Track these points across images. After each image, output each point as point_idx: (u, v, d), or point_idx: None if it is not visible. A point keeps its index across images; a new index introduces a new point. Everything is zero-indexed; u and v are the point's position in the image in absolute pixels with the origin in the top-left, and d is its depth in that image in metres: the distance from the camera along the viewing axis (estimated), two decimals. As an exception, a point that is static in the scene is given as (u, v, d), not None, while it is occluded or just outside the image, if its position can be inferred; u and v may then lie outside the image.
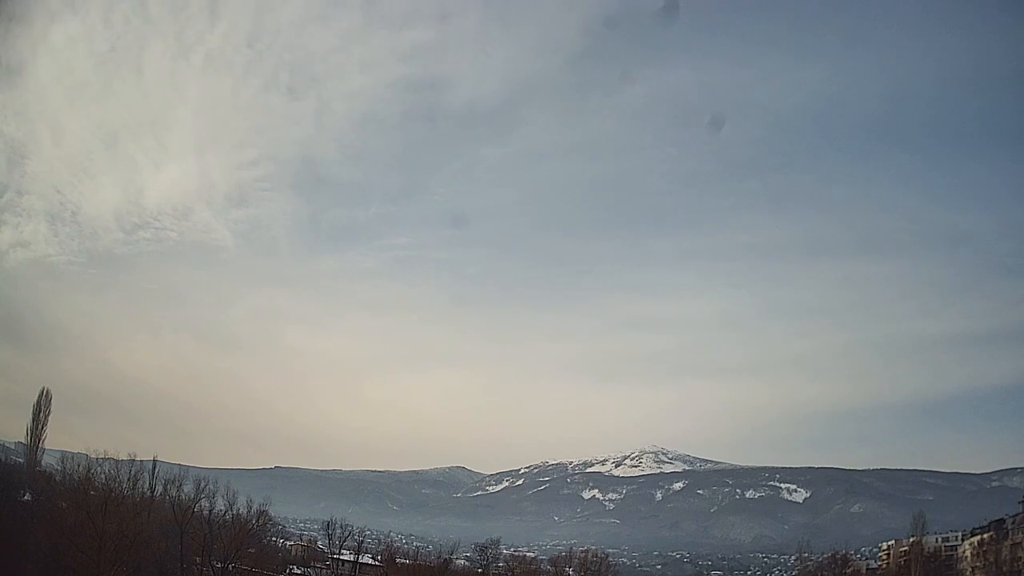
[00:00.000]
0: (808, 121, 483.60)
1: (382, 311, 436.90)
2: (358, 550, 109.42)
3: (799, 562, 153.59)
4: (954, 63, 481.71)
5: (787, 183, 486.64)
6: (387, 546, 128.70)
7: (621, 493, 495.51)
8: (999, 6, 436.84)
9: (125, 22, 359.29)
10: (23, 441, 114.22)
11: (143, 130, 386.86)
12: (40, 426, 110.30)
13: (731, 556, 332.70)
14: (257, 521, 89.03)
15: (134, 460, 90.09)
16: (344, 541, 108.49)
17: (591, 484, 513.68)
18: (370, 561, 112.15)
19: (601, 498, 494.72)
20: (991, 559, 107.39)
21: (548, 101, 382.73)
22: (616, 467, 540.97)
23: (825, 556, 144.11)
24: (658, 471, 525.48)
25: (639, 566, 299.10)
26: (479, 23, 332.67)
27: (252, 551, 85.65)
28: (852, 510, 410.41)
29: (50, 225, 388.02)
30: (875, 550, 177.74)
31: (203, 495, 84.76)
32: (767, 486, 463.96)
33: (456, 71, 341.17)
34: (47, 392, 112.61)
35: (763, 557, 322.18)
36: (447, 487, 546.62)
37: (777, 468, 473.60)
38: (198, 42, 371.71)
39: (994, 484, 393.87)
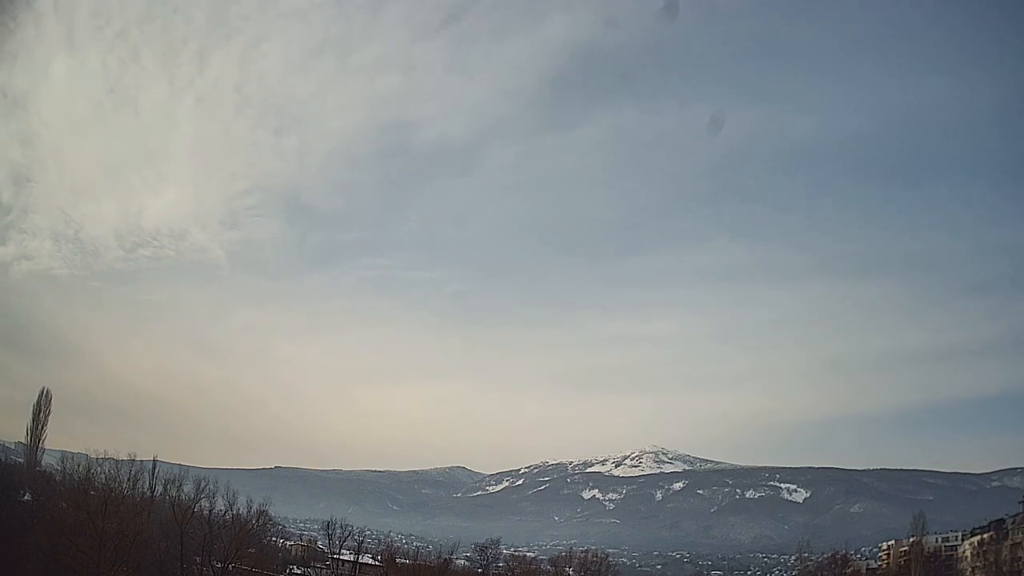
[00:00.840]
0: (767, 153, 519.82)
1: (366, 324, 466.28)
2: (358, 550, 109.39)
3: (799, 562, 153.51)
4: (908, 96, 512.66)
5: (744, 211, 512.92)
6: (387, 546, 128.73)
7: (621, 493, 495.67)
8: (944, 52, 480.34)
9: (121, 65, 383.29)
10: (23, 441, 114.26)
11: (141, 160, 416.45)
12: (40, 426, 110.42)
13: (731, 556, 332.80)
14: (257, 521, 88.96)
15: (134, 460, 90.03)
16: (344, 541, 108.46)
17: (591, 484, 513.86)
18: (370, 561, 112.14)
19: (601, 498, 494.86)
20: (991, 559, 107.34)
21: (510, 140, 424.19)
22: (616, 467, 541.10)
23: (825, 556, 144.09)
24: (658, 471, 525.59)
25: (639, 566, 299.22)
26: (442, 73, 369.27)
27: (252, 551, 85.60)
28: (852, 510, 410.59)
29: (54, 243, 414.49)
30: (875, 550, 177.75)
31: (203, 495, 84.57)
32: (767, 486, 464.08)
33: (423, 114, 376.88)
34: (47, 392, 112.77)
35: (763, 557, 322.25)
36: (447, 487, 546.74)
37: (777, 468, 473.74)
38: (189, 86, 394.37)
39: (994, 484, 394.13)
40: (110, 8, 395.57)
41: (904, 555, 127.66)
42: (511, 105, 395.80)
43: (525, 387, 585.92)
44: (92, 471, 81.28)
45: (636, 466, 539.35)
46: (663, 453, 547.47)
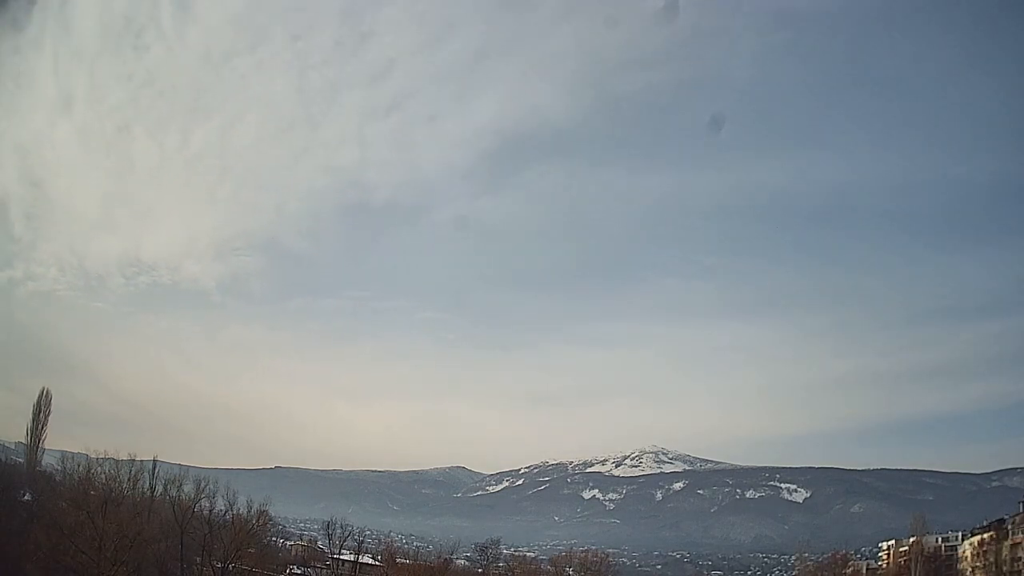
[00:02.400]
0: (683, 208, 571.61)
1: (345, 343, 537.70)
2: (358, 550, 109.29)
3: (799, 562, 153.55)
4: (839, 155, 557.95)
5: (690, 258, 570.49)
6: (387, 546, 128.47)
7: (621, 493, 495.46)
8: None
9: (116, 131, 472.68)
10: (23, 441, 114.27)
11: (139, 205, 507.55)
12: (40, 426, 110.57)
13: (731, 556, 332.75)
14: (257, 521, 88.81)
15: (134, 460, 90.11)
16: (344, 541, 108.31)
17: (591, 484, 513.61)
18: (370, 561, 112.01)
19: (601, 498, 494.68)
20: (991, 559, 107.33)
21: (452, 199, 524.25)
22: (616, 467, 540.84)
23: (825, 556, 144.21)
24: (658, 471, 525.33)
25: (639, 566, 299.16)
26: (390, 149, 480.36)
27: (252, 551, 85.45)
28: (852, 510, 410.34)
29: (59, 270, 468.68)
30: (875, 550, 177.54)
31: (203, 495, 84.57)
32: (767, 486, 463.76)
33: (377, 180, 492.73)
34: (47, 392, 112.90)
35: (763, 557, 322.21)
36: (447, 487, 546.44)
37: (777, 468, 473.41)
38: (177, 153, 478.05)
39: (994, 484, 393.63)
40: (105, 84, 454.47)
41: (904, 555, 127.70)
42: (449, 173, 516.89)
43: (511, 403, 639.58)
44: (92, 471, 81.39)
45: (636, 466, 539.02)
46: (663, 453, 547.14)
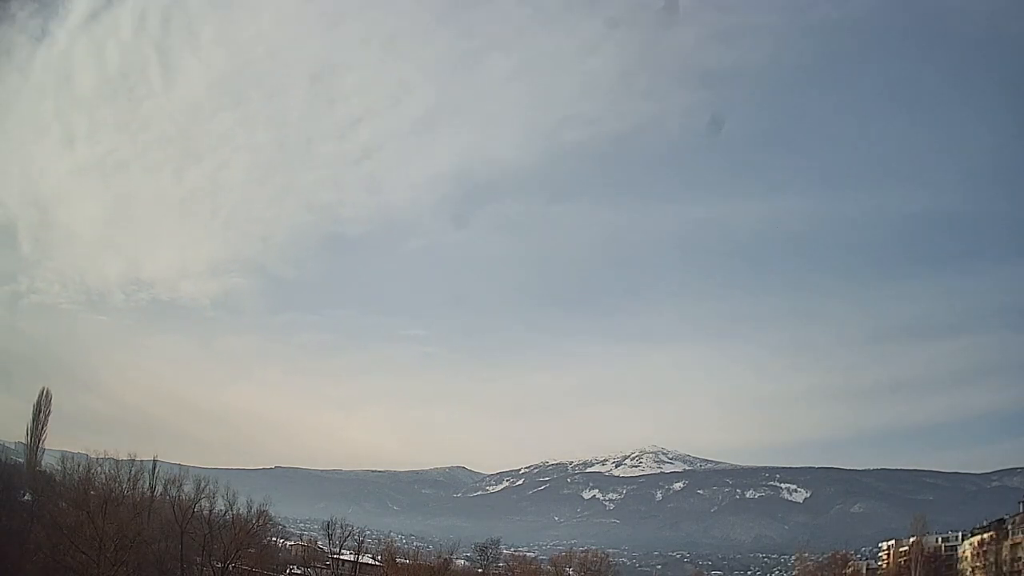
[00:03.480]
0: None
1: (334, 355, 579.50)
2: (358, 550, 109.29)
3: (799, 562, 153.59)
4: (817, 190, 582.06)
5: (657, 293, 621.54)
6: (387, 546, 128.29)
7: (621, 493, 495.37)
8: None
9: (114, 168, 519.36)
10: (23, 441, 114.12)
11: (137, 231, 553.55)
12: (40, 426, 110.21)
13: (731, 556, 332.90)
14: (257, 521, 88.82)
15: (134, 460, 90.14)
16: (344, 541, 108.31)
17: (591, 484, 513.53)
18: (370, 561, 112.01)
19: (601, 498, 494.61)
20: (991, 559, 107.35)
21: (420, 234, 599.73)
22: (616, 467, 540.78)
23: (825, 556, 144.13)
24: (658, 471, 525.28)
25: (639, 566, 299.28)
26: (363, 192, 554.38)
27: (252, 551, 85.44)
28: (852, 510, 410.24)
29: (62, 286, 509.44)
30: (875, 550, 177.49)
31: (203, 495, 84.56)
32: (767, 486, 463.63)
33: (354, 216, 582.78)
34: (47, 392, 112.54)
35: (763, 557, 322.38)
36: (447, 487, 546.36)
37: (777, 468, 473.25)
38: (171, 191, 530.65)
39: (994, 484, 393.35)
40: (103, 128, 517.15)
41: (904, 555, 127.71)
42: (417, 211, 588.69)
43: (493, 413, 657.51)
44: (92, 471, 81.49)
45: (636, 466, 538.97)
46: (663, 453, 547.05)
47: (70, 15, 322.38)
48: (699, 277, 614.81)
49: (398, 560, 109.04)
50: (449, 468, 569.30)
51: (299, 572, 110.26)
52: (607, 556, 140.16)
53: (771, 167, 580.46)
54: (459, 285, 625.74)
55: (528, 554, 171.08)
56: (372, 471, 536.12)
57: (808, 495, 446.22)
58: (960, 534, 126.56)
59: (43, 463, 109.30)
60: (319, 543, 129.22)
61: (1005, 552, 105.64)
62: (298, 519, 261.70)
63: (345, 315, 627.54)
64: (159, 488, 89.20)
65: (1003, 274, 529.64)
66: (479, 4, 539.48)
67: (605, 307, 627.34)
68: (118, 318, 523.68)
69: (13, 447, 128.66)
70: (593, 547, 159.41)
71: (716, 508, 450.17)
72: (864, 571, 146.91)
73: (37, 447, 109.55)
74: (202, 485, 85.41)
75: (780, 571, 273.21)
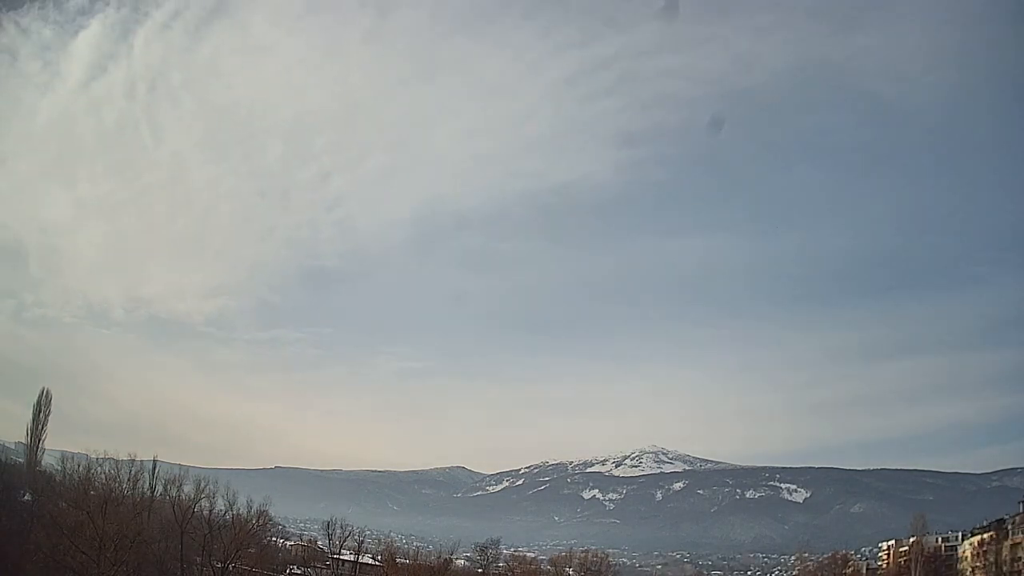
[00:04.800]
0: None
1: (316, 368, 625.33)
2: (358, 550, 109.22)
3: (799, 562, 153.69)
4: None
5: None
6: (387, 546, 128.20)
7: (621, 493, 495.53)
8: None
9: (111, 210, 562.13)
10: (23, 441, 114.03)
11: (136, 258, 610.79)
12: (40, 426, 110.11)
13: (731, 556, 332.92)
14: (257, 521, 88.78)
15: (134, 460, 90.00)
16: (344, 541, 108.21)
17: (591, 484, 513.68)
18: (370, 561, 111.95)
19: (601, 498, 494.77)
20: (991, 559, 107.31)
21: (388, 269, 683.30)
22: (616, 467, 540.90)
23: (825, 556, 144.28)
24: (658, 471, 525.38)
25: (639, 566, 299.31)
26: (335, 233, 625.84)
27: (252, 551, 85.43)
28: (852, 510, 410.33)
29: (65, 301, 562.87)
30: (875, 550, 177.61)
31: (203, 495, 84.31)
32: (767, 486, 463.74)
33: (329, 251, 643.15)
34: (47, 392, 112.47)
35: (763, 557, 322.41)
36: (447, 487, 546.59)
37: (777, 468, 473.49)
38: (165, 227, 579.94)
39: (994, 484, 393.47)
40: (100, 174, 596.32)
41: (904, 555, 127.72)
42: (384, 249, 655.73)
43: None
44: (92, 471, 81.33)
45: (636, 466, 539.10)
46: (663, 453, 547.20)
47: (69, 78, 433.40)
48: (645, 309, 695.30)
49: (398, 560, 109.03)
50: (449, 468, 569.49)
51: (299, 572, 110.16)
52: (607, 556, 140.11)
53: (696, 212, 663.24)
54: (428, 310, 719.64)
55: (528, 554, 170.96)
56: (372, 471, 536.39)
57: (808, 495, 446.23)
58: (960, 534, 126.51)
59: (43, 463, 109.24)
60: (319, 543, 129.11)
61: (1005, 552, 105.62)
62: (298, 519, 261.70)
63: (327, 333, 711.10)
64: (159, 488, 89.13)
65: (938, 301, 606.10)
66: (430, 76, 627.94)
67: (560, 330, 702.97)
68: (119, 332, 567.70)
69: (13, 447, 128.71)
70: (593, 547, 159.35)
71: (716, 508, 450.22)
72: (864, 571, 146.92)
73: (37, 447, 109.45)
74: (202, 485, 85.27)
75: (780, 571, 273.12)
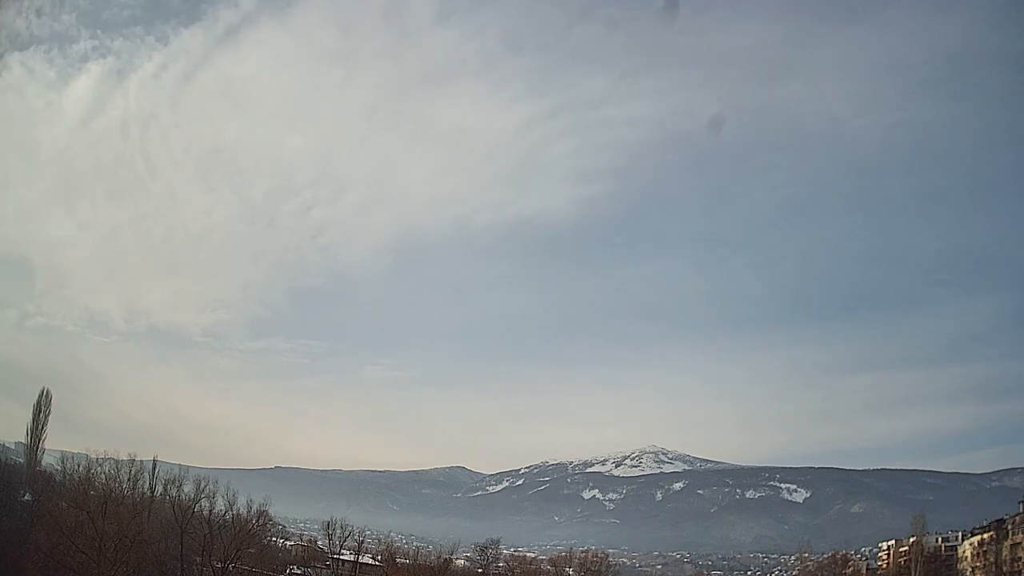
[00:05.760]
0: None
1: (302, 378, 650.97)
2: (358, 550, 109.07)
3: (799, 562, 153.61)
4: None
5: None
6: (387, 546, 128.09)
7: (621, 493, 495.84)
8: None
9: (113, 230, 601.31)
10: (23, 441, 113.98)
11: (136, 274, 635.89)
12: (40, 426, 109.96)
13: (731, 556, 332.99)
14: (257, 521, 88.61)
15: (134, 460, 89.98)
16: (344, 541, 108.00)
17: (591, 484, 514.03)
18: (370, 561, 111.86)
19: (601, 498, 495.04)
20: (991, 559, 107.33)
21: (369, 289, 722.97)
22: (616, 467, 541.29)
23: (825, 556, 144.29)
24: (658, 471, 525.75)
25: (639, 566, 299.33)
26: (320, 257, 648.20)
27: (252, 551, 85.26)
28: (852, 510, 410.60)
29: (67, 311, 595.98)
30: (875, 550, 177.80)
31: (203, 495, 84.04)
32: (767, 486, 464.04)
33: (316, 272, 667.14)
34: (47, 392, 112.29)
35: (763, 557, 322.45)
36: (447, 487, 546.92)
37: (777, 468, 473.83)
38: (162, 249, 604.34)
39: (994, 484, 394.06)
40: (100, 203, 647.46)
41: (904, 555, 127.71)
42: (364, 272, 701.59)
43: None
44: (92, 471, 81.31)
45: (636, 466, 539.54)
46: (663, 453, 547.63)
47: (70, 115, 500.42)
48: (594, 332, 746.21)
49: (398, 560, 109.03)
50: (449, 468, 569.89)
51: (299, 572, 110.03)
52: (607, 556, 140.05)
53: (643, 242, 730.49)
54: (409, 326, 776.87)
55: (528, 554, 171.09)
56: (372, 471, 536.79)
57: (808, 495, 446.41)
58: (960, 534, 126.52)
59: (43, 463, 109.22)
60: (319, 543, 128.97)
61: (1005, 552, 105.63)
62: (298, 519, 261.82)
63: (316, 345, 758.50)
64: (159, 488, 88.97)
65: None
66: (397, 123, 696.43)
67: (529, 344, 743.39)
68: (119, 341, 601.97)
69: (13, 447, 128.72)
70: (593, 547, 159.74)
71: (716, 508, 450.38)
72: (864, 571, 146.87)
73: (37, 447, 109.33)
74: (202, 485, 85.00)
75: (780, 571, 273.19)
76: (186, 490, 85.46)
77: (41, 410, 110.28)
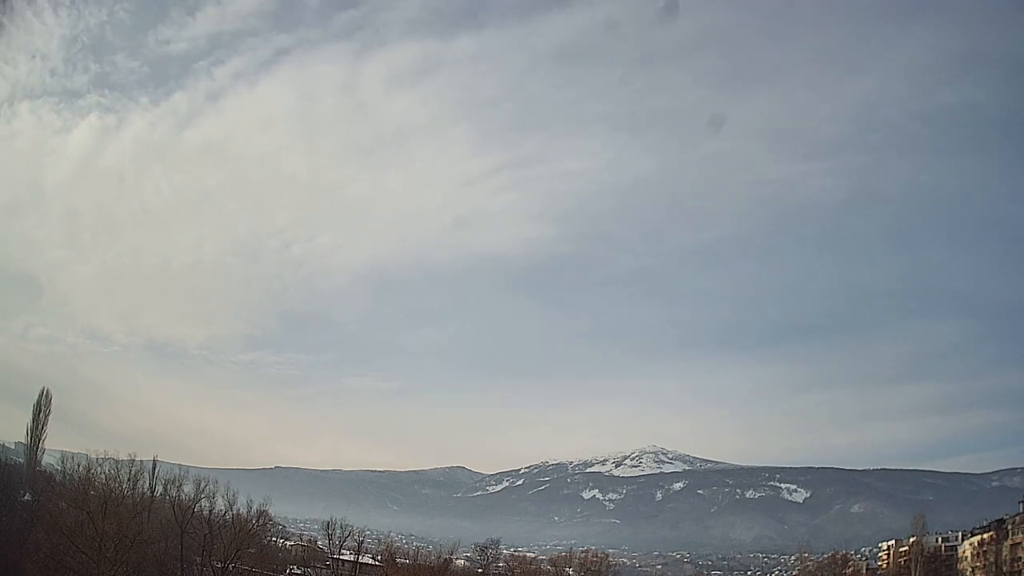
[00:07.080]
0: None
1: (292, 388, 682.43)
2: (358, 550, 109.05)
3: (799, 562, 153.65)
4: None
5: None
6: (387, 546, 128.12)
7: (621, 493, 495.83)
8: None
9: (114, 255, 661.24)
10: (23, 441, 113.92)
11: (134, 294, 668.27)
12: (40, 426, 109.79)
13: (731, 556, 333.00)
14: (257, 521, 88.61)
15: (134, 460, 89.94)
16: (344, 541, 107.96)
17: (591, 484, 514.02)
18: (370, 561, 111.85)
19: (601, 498, 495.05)
20: (991, 559, 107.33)
21: (351, 310, 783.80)
22: (616, 467, 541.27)
23: (825, 556, 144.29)
24: (658, 471, 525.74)
25: (639, 566, 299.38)
26: (302, 285, 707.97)
27: (252, 551, 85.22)
28: (852, 510, 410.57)
29: (69, 323, 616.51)
30: (875, 550, 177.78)
31: (203, 495, 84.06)
32: (767, 486, 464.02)
33: (302, 298, 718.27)
34: (47, 392, 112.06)
35: (763, 557, 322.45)
36: (447, 487, 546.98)
37: (777, 468, 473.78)
38: (157, 275, 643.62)
39: (994, 484, 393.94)
40: (101, 230, 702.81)
41: (904, 555, 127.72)
42: (346, 299, 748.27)
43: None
44: (92, 471, 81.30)
45: (636, 466, 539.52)
46: (663, 453, 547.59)
47: (71, 158, 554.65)
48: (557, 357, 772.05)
49: (398, 560, 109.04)
50: (449, 468, 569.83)
51: (299, 572, 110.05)
52: (607, 556, 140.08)
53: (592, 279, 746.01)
54: (389, 345, 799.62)
55: (528, 554, 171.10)
56: (372, 471, 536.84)
57: (808, 495, 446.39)
58: (960, 534, 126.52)
59: (43, 463, 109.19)
60: (319, 543, 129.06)
61: (1005, 552, 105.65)
62: (298, 519, 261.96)
63: (304, 359, 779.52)
64: (159, 488, 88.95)
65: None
66: (364, 172, 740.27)
67: (504, 360, 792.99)
68: (119, 351, 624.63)
69: (13, 447, 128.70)
70: (593, 547, 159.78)
71: (716, 508, 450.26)
72: (864, 571, 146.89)
73: (37, 447, 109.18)
74: (202, 485, 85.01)
75: (780, 571, 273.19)
76: (186, 490, 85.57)
77: (41, 410, 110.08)
